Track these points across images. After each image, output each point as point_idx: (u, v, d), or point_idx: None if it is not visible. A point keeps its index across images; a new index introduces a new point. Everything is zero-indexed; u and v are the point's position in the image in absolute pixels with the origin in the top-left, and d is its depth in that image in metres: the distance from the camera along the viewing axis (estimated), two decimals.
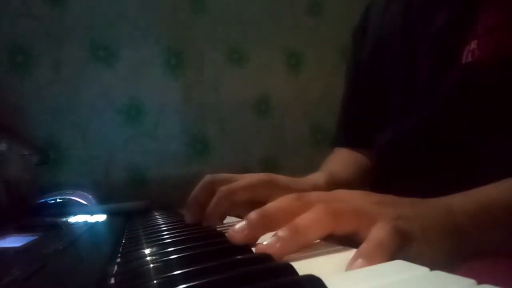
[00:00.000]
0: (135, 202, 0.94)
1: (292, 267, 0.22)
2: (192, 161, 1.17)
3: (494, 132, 0.41)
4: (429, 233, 0.28)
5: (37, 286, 0.26)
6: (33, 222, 0.67)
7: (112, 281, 0.27)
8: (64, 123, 1.07)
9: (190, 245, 0.32)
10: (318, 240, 0.29)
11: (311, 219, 0.28)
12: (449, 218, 0.30)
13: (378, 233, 0.25)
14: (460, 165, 0.44)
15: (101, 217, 0.69)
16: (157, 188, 1.11)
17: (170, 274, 0.24)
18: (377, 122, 0.59)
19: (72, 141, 1.08)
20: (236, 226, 0.30)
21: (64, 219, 0.68)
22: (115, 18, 1.12)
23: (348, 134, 0.68)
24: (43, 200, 0.89)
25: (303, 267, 0.22)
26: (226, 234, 0.31)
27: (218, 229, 0.42)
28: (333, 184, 0.55)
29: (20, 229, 0.55)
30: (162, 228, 0.46)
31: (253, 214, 0.30)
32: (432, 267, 0.21)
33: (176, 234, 0.39)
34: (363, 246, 0.25)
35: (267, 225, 0.30)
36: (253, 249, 0.29)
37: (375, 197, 0.32)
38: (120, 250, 0.38)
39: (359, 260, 0.23)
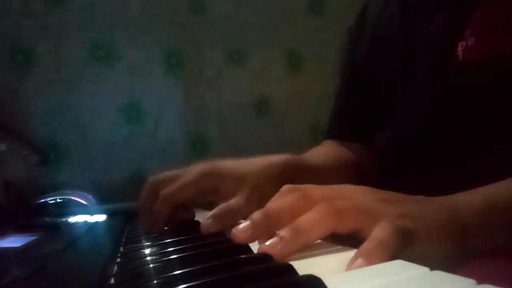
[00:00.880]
0: (135, 202, 0.94)
1: (292, 267, 0.22)
2: (192, 161, 1.17)
3: (492, 130, 0.41)
4: (433, 232, 0.27)
5: (37, 286, 0.26)
6: (33, 222, 0.67)
7: (112, 281, 0.27)
8: (64, 123, 1.07)
9: (190, 245, 0.32)
10: (319, 240, 0.29)
11: (313, 219, 0.28)
12: (454, 217, 0.30)
13: (380, 232, 0.25)
14: (459, 163, 0.44)
15: (101, 217, 0.69)
16: None
17: (170, 274, 0.24)
18: (369, 118, 0.59)
19: (72, 141, 1.08)
20: (240, 225, 0.30)
21: (64, 219, 0.68)
22: (115, 18, 1.12)
23: (337, 127, 0.68)
24: (43, 200, 0.89)
25: (303, 267, 0.22)
26: (230, 233, 0.31)
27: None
28: (296, 167, 0.52)
29: (20, 229, 0.55)
30: None
31: (256, 214, 0.30)
32: (435, 267, 0.21)
33: (176, 234, 0.39)
34: (364, 245, 0.25)
35: (270, 225, 0.30)
36: (255, 250, 0.29)
37: (380, 194, 0.31)
38: (120, 250, 0.38)
39: (359, 260, 0.23)
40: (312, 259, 0.27)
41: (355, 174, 0.62)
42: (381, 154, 0.58)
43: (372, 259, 0.23)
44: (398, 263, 0.23)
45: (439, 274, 0.20)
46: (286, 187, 0.34)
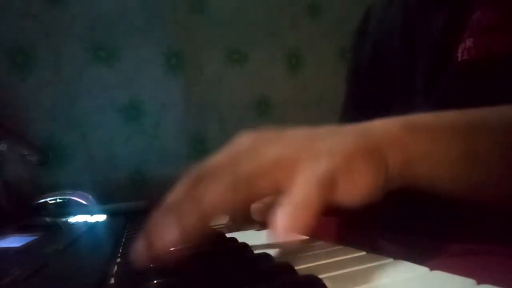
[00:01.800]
0: (135, 202, 0.94)
1: (292, 267, 0.22)
2: (192, 161, 1.17)
3: None
4: (354, 163, 0.25)
5: (37, 286, 0.26)
6: (33, 222, 0.67)
7: (112, 281, 0.27)
8: (64, 123, 1.07)
9: (190, 245, 0.32)
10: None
11: (218, 192, 0.24)
12: (371, 142, 0.27)
13: (300, 189, 0.23)
14: None
15: (101, 217, 0.69)
16: (157, 188, 1.11)
17: (170, 274, 0.24)
18: (371, 119, 0.59)
19: (72, 141, 1.08)
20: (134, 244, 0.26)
21: (64, 219, 0.68)
22: (115, 18, 1.12)
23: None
24: (43, 200, 0.89)
25: (303, 267, 0.22)
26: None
27: (218, 229, 0.42)
28: None
29: (20, 229, 0.55)
30: None
31: (149, 224, 0.26)
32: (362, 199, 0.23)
33: None
34: (286, 204, 0.22)
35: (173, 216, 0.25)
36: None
37: (289, 133, 0.28)
38: (120, 250, 0.38)
39: (286, 210, 0.21)
40: (312, 259, 0.27)
41: None
42: None
43: (297, 219, 0.21)
44: (398, 263, 0.23)
45: (439, 274, 0.20)
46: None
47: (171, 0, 1.18)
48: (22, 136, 0.94)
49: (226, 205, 0.24)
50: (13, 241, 0.46)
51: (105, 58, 1.11)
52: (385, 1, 0.59)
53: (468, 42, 0.41)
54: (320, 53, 1.31)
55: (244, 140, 0.28)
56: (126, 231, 0.52)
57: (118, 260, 0.34)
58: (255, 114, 1.24)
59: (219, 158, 0.27)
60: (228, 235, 0.38)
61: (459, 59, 0.42)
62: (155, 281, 0.23)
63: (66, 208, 0.87)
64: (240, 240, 0.33)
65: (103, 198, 0.95)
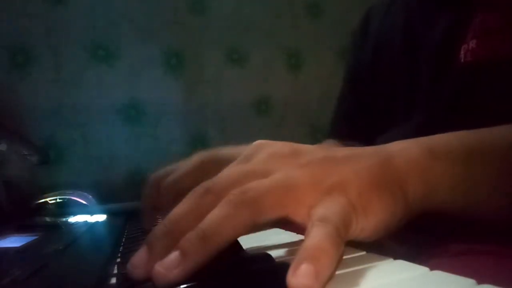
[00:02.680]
0: (135, 202, 0.94)
1: None
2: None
3: None
4: (369, 196, 0.24)
5: (37, 286, 0.26)
6: (33, 222, 0.67)
7: (112, 281, 0.27)
8: (64, 123, 1.07)
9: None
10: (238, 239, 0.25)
11: (221, 216, 0.23)
12: (389, 170, 0.26)
13: (315, 237, 0.21)
14: None
15: (101, 217, 0.69)
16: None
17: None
18: (371, 120, 0.59)
19: (72, 141, 1.08)
20: (133, 257, 0.23)
21: (64, 219, 0.68)
22: (115, 18, 1.12)
23: (339, 127, 0.68)
24: (43, 200, 0.89)
25: None
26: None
27: None
28: None
29: (20, 229, 0.55)
30: None
31: (152, 233, 0.24)
32: (381, 232, 0.23)
33: None
34: (303, 249, 0.20)
35: (173, 240, 0.23)
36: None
37: (304, 155, 0.27)
38: (120, 250, 0.38)
39: (305, 265, 0.19)
40: None
41: None
42: None
43: (318, 261, 0.19)
44: (398, 263, 0.23)
45: (439, 274, 0.20)
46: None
47: (171, 0, 1.18)
48: (22, 136, 0.93)
49: (228, 230, 0.23)
50: (13, 241, 0.46)
51: (105, 58, 1.11)
52: (386, 2, 0.59)
53: (472, 44, 0.41)
54: (320, 53, 1.31)
55: (258, 154, 0.27)
56: (126, 231, 0.52)
57: (118, 260, 0.33)
58: (255, 114, 1.24)
59: (230, 173, 0.26)
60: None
61: (462, 61, 0.42)
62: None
63: (66, 208, 0.87)
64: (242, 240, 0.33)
65: (103, 198, 0.95)
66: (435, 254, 0.34)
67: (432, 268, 0.21)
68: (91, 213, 0.75)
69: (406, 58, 0.52)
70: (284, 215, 0.24)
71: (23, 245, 0.43)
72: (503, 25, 0.39)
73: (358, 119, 0.63)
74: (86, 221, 0.66)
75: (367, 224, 0.24)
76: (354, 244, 0.27)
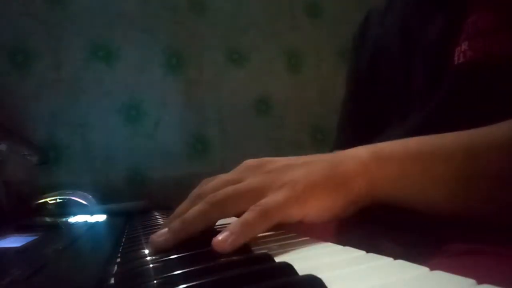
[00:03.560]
0: (135, 202, 0.94)
1: (292, 267, 0.22)
2: (192, 161, 1.17)
3: None
4: (311, 191, 0.32)
5: (37, 286, 0.26)
6: (33, 222, 0.67)
7: (112, 281, 0.27)
8: (64, 123, 1.07)
9: (189, 245, 0.32)
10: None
11: (197, 211, 0.33)
12: (337, 172, 0.33)
13: (246, 215, 0.30)
14: None
15: (101, 217, 0.69)
16: (157, 188, 1.11)
17: (170, 274, 0.24)
18: (376, 127, 0.59)
19: (72, 141, 1.08)
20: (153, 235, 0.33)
21: (64, 219, 0.68)
22: (115, 18, 1.12)
23: (346, 137, 0.68)
24: (43, 200, 0.89)
25: (303, 267, 0.22)
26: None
27: (218, 229, 0.42)
28: None
29: (20, 229, 0.55)
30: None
31: (165, 223, 0.36)
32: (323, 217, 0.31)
33: None
34: (234, 223, 0.30)
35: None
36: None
37: (271, 164, 0.35)
38: (120, 250, 0.38)
39: (226, 233, 0.28)
40: (312, 259, 0.27)
41: None
42: None
43: (238, 234, 0.28)
44: (398, 263, 0.23)
45: (439, 274, 0.20)
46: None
47: (171, 0, 1.18)
48: (22, 136, 0.94)
49: (201, 220, 0.33)
50: (13, 241, 0.46)
51: (105, 58, 1.11)
52: (384, 5, 0.59)
53: (464, 46, 0.41)
54: (320, 53, 1.31)
55: (238, 168, 0.37)
56: (126, 231, 0.52)
57: (118, 260, 0.34)
58: (255, 114, 1.24)
59: (214, 182, 0.36)
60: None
61: (456, 63, 0.42)
62: (154, 281, 0.23)
63: (66, 208, 0.87)
64: None
65: (103, 198, 0.95)
66: (435, 254, 0.34)
67: (432, 268, 0.21)
68: (91, 213, 0.75)
69: (403, 60, 0.52)
70: (244, 211, 0.31)
71: (23, 245, 0.43)
72: (495, 26, 0.39)
73: (361, 123, 0.63)
74: (86, 221, 0.66)
75: (309, 210, 0.32)
76: (355, 244, 0.27)
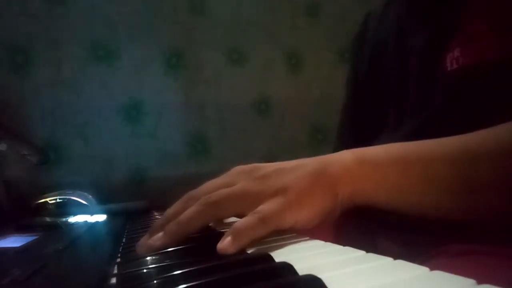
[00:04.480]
0: (135, 202, 0.94)
1: (292, 267, 0.22)
2: (192, 161, 1.17)
3: None
4: (303, 197, 0.33)
5: (37, 286, 0.26)
6: (33, 222, 0.67)
7: (112, 281, 0.27)
8: (64, 123, 1.07)
9: (190, 245, 0.32)
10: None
11: (191, 212, 0.33)
12: (324, 177, 0.34)
13: (244, 221, 0.31)
14: None
15: (101, 217, 0.69)
16: (157, 188, 1.11)
17: (170, 274, 0.24)
18: (375, 131, 0.59)
19: (72, 141, 1.08)
20: (139, 241, 0.35)
21: (64, 219, 0.68)
22: (115, 18, 1.12)
23: (346, 141, 0.68)
24: (43, 200, 0.89)
25: (303, 267, 0.22)
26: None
27: (218, 230, 0.42)
28: None
29: (20, 229, 0.55)
30: None
31: (153, 226, 0.36)
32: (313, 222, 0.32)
33: None
34: (231, 228, 0.30)
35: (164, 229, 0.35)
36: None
37: (262, 169, 0.36)
38: (120, 250, 0.38)
39: (229, 238, 0.29)
40: (312, 259, 0.27)
41: None
42: None
43: (239, 238, 0.29)
44: (398, 263, 0.23)
45: (439, 274, 0.20)
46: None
47: (171, 0, 1.18)
48: (22, 136, 0.93)
49: (196, 221, 0.33)
50: (13, 241, 0.46)
51: (105, 57, 1.11)
52: (382, 9, 0.59)
53: (456, 52, 0.41)
54: (320, 53, 1.31)
55: (230, 172, 0.38)
56: (126, 231, 0.52)
57: (118, 260, 0.34)
58: (255, 114, 1.24)
59: (207, 185, 0.37)
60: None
61: (449, 69, 0.42)
62: (155, 281, 0.23)
63: (66, 208, 0.87)
64: None
65: (103, 198, 0.95)
66: (435, 254, 0.34)
67: (432, 268, 0.21)
68: (91, 213, 0.75)
69: (397, 65, 0.52)
70: (239, 213, 0.33)
71: (23, 245, 0.43)
72: (487, 31, 0.39)
73: (361, 127, 0.63)
74: (86, 221, 0.66)
75: (301, 217, 0.33)
76: (354, 245, 0.27)
